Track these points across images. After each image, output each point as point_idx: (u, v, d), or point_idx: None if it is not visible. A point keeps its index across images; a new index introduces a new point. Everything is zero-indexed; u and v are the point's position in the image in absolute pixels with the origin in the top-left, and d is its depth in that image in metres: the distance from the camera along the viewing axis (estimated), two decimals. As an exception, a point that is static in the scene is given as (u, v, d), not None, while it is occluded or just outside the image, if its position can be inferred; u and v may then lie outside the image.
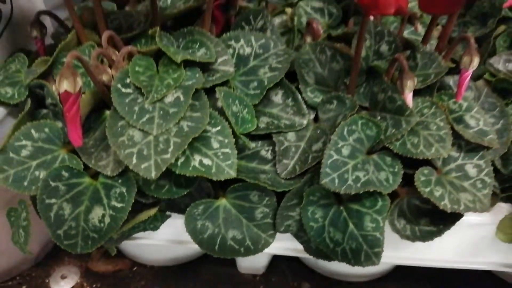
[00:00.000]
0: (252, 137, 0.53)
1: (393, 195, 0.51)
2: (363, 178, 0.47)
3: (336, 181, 0.47)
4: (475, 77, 0.66)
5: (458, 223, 0.51)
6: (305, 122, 0.53)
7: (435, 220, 0.52)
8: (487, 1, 0.78)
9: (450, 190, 0.48)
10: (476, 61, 0.46)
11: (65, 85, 0.40)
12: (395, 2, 0.40)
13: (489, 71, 0.61)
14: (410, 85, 0.46)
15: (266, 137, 0.54)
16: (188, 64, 0.50)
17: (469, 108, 0.52)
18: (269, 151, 0.53)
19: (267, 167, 0.52)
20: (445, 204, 0.47)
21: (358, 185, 0.47)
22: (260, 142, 0.54)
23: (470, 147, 0.50)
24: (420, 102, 0.50)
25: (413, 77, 0.46)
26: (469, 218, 0.53)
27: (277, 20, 0.81)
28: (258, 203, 0.51)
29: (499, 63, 0.63)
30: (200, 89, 0.48)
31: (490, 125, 0.51)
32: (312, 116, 0.55)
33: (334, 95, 0.53)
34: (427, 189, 0.47)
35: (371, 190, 0.46)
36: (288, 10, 0.80)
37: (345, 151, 0.48)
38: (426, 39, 0.52)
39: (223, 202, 0.51)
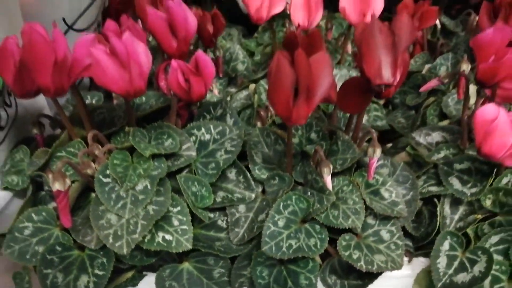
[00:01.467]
0: (211, 209, 0.66)
1: (326, 255, 0.63)
2: (295, 245, 0.59)
3: (273, 248, 0.59)
4: (404, 146, 0.78)
5: (384, 276, 0.62)
6: (253, 196, 0.65)
7: (362, 275, 0.63)
8: (421, 74, 0.92)
9: (366, 253, 0.60)
10: (378, 151, 0.58)
11: (57, 186, 0.53)
12: (305, 115, 0.53)
13: (410, 144, 0.74)
14: (326, 171, 0.58)
15: (223, 208, 0.66)
16: (156, 155, 0.63)
17: (384, 183, 0.64)
18: (225, 221, 0.65)
19: (222, 234, 0.64)
20: (361, 265, 0.59)
21: (290, 251, 0.58)
22: (217, 213, 0.66)
23: (384, 216, 0.62)
24: (341, 181, 0.63)
25: (329, 165, 0.58)
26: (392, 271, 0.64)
27: (244, 93, 0.95)
28: (214, 266, 0.63)
29: (420, 136, 0.75)
30: (165, 176, 0.61)
31: (401, 196, 0.63)
32: (260, 189, 0.67)
33: (276, 172, 0.66)
34: (347, 253, 0.59)
35: (300, 255, 0.58)
36: (252, 86, 0.94)
37: (281, 223, 0.60)
38: (347, 128, 0.65)
39: (186, 265, 0.63)
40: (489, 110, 0.55)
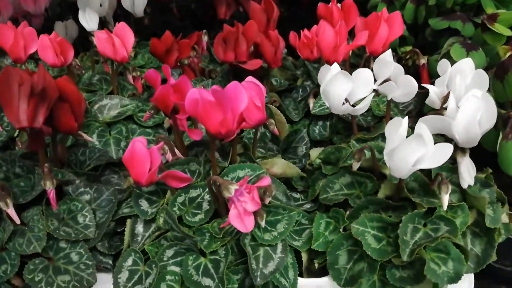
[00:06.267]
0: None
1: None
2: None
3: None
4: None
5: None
6: None
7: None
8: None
9: (50, 275, 0.67)
10: (48, 184, 0.66)
11: None
12: None
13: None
14: (2, 204, 0.65)
15: None
16: None
17: (82, 208, 0.72)
18: None
19: None
20: (41, 286, 0.66)
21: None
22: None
23: (75, 240, 0.70)
24: (35, 210, 0.70)
25: (5, 199, 0.65)
26: None
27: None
28: None
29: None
30: None
31: (95, 220, 0.71)
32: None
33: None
34: (30, 276, 0.66)
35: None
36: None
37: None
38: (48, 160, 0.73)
39: None
40: (132, 144, 0.63)
